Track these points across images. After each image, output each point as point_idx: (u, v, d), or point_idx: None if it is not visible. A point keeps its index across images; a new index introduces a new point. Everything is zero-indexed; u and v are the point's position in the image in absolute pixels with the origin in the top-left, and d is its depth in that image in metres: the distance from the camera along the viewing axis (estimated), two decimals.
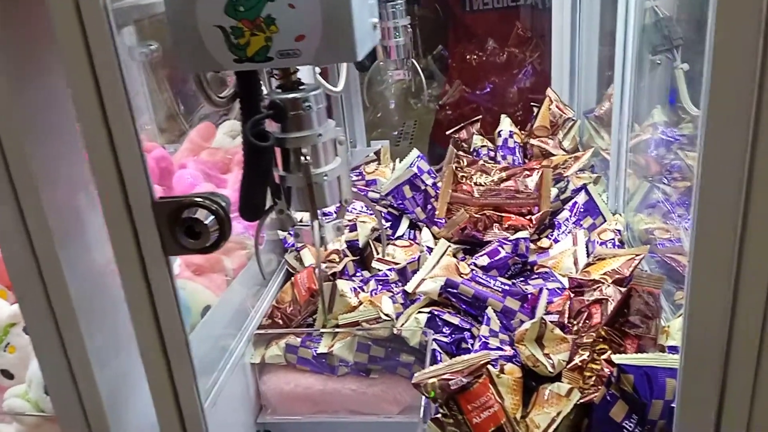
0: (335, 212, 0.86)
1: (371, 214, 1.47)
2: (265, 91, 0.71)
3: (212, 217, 0.60)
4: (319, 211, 0.76)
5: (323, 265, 1.24)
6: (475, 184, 1.58)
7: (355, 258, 1.34)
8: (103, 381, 0.79)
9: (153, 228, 0.62)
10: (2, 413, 1.05)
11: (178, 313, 0.67)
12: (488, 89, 2.30)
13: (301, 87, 0.70)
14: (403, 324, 1.13)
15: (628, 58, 1.35)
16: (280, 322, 1.23)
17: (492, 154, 1.80)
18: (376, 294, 1.19)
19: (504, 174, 1.59)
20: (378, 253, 1.36)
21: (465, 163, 1.67)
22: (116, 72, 0.56)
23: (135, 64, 1.28)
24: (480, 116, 1.97)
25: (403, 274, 1.25)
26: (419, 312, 1.14)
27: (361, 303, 1.16)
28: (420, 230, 1.49)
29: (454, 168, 1.57)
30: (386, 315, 1.10)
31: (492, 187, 1.56)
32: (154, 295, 0.65)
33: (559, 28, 1.89)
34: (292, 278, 1.28)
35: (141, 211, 0.61)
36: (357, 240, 1.40)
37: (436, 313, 1.13)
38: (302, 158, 0.69)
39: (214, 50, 0.61)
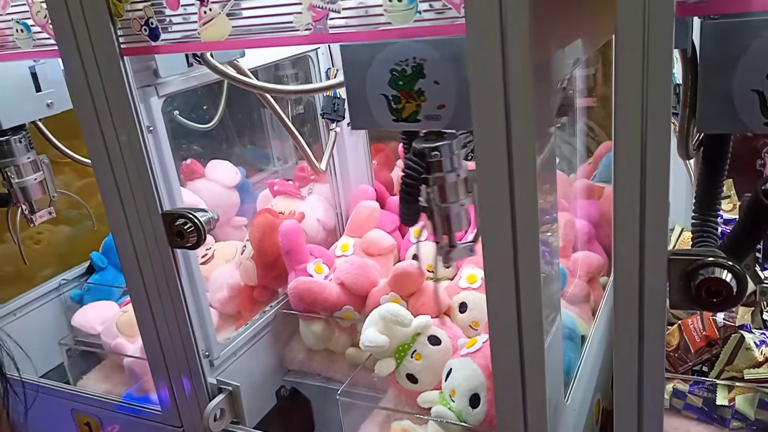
0: None
1: None
2: None
3: (731, 275, 0.64)
4: None
5: (721, 315, 1.21)
6: None
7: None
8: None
9: (663, 281, 0.67)
10: (417, 414, 1.20)
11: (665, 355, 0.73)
12: None
13: None
14: None
15: None
16: (666, 365, 1.24)
17: None
18: None
19: None
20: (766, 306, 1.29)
21: None
22: None
23: None
24: None
25: None
26: None
27: (766, 359, 1.11)
28: None
29: None
30: None
31: None
32: (644, 339, 0.71)
33: None
34: (680, 322, 1.28)
35: (654, 262, 0.67)
36: None
37: None
38: None
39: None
